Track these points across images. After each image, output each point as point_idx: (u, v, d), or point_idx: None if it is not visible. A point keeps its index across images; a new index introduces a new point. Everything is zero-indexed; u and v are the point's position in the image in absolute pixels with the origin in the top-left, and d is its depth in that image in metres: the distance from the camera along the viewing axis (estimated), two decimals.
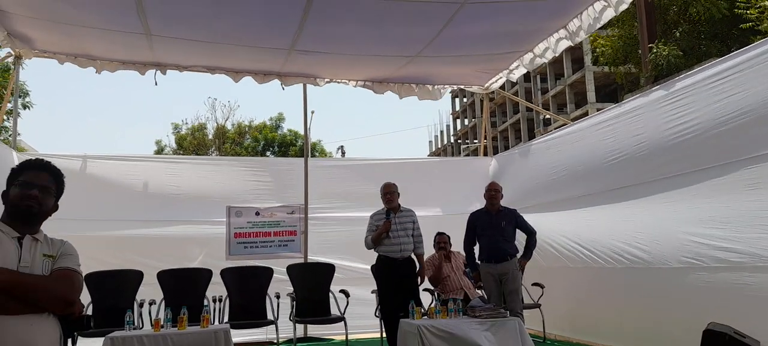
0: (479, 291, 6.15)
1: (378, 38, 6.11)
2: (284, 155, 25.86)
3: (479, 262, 5.78)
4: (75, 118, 65.10)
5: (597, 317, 6.05)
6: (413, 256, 5.67)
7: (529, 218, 5.97)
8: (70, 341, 2.12)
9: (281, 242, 7.40)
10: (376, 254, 5.66)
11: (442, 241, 6.65)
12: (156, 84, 6.74)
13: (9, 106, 7.94)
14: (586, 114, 26.40)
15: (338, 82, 7.48)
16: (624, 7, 5.44)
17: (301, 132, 25.22)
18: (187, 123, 27.90)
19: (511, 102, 44.33)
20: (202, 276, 6.23)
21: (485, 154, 8.94)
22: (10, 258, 1.94)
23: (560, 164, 6.79)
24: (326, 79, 7.39)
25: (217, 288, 6.21)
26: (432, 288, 6.46)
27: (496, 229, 5.67)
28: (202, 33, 5.85)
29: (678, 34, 13.87)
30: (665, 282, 5.03)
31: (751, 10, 11.99)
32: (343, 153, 28.95)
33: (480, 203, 6.00)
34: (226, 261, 6.90)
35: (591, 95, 34.34)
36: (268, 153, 27.44)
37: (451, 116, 60.10)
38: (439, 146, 61.96)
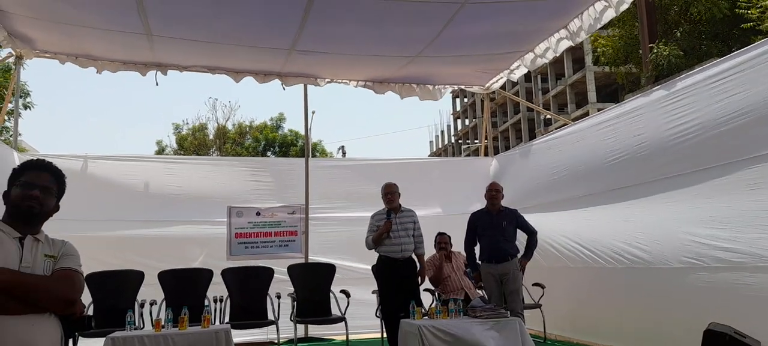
0: (480, 291, 6.15)
1: (378, 38, 6.11)
2: (285, 155, 25.85)
3: (480, 262, 5.78)
4: (75, 118, 65.18)
5: (598, 318, 6.04)
6: (414, 256, 5.67)
7: (530, 218, 5.97)
8: (71, 341, 2.12)
9: (282, 242, 7.40)
10: (377, 255, 5.66)
11: (442, 241, 6.65)
12: (157, 84, 6.76)
13: (10, 106, 7.95)
14: (586, 114, 26.40)
15: (339, 83, 7.48)
16: (625, 7, 5.44)
17: (302, 132, 25.18)
18: (187, 123, 27.92)
19: (511, 102, 44.32)
20: (203, 276, 6.24)
21: (486, 155, 8.94)
22: (12, 258, 1.94)
23: (561, 164, 6.79)
24: (327, 80, 7.39)
25: (217, 288, 6.22)
26: (432, 288, 6.46)
27: (497, 229, 5.67)
28: (202, 33, 5.86)
29: (679, 34, 13.86)
30: (666, 282, 5.03)
31: (752, 10, 11.98)
32: (344, 153, 28.92)
33: (481, 203, 6.00)
34: (227, 261, 6.91)
35: (592, 95, 34.33)
36: (268, 153, 27.44)
37: (451, 116, 60.10)
38: (440, 146, 61.94)
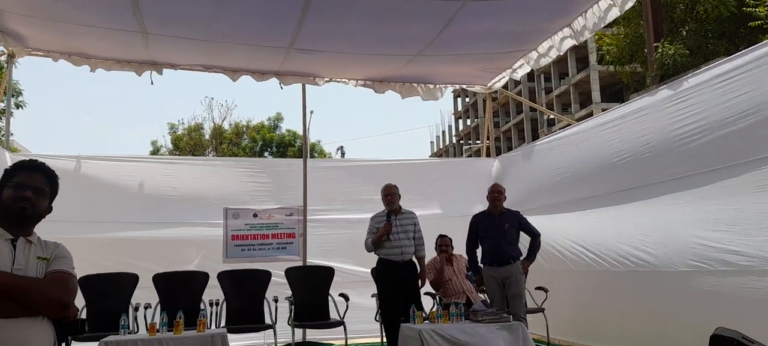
0: (482, 295, 6.15)
1: (378, 37, 6.11)
2: (283, 156, 25.90)
3: (482, 265, 5.78)
4: (68, 117, 65.14)
5: (602, 322, 6.04)
6: (414, 259, 5.67)
7: (533, 220, 5.97)
8: (64, 345, 2.12)
9: (279, 244, 7.40)
10: (377, 257, 5.66)
11: (443, 243, 6.65)
12: (152, 83, 6.75)
13: (2, 105, 7.95)
14: (590, 114, 26.40)
15: (338, 82, 7.48)
16: (629, 5, 5.44)
17: (300, 132, 25.14)
18: (183, 123, 27.98)
19: (514, 102, 44.36)
20: (199, 279, 6.23)
21: (488, 155, 8.95)
22: (4, 260, 1.94)
23: (564, 165, 6.79)
24: (326, 79, 7.40)
25: (213, 292, 6.22)
26: (433, 292, 6.46)
27: (499, 231, 5.67)
28: (198, 31, 5.86)
29: (685, 32, 13.86)
30: (672, 286, 5.03)
31: (760, 8, 11.98)
32: (343, 154, 28.92)
33: (482, 205, 6.00)
34: (223, 264, 6.91)
35: (596, 95, 34.38)
36: (266, 154, 27.47)
37: (452, 116, 60.15)
38: (441, 147, 61.98)
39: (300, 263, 7.20)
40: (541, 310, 6.26)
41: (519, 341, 4.66)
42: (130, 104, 62.77)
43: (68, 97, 64.94)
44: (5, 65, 6.88)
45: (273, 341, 5.96)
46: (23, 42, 6.22)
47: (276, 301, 6.20)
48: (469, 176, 8.31)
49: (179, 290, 6.03)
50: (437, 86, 7.84)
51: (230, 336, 4.70)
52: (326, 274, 6.69)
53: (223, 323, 6.00)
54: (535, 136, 35.13)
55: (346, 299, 6.32)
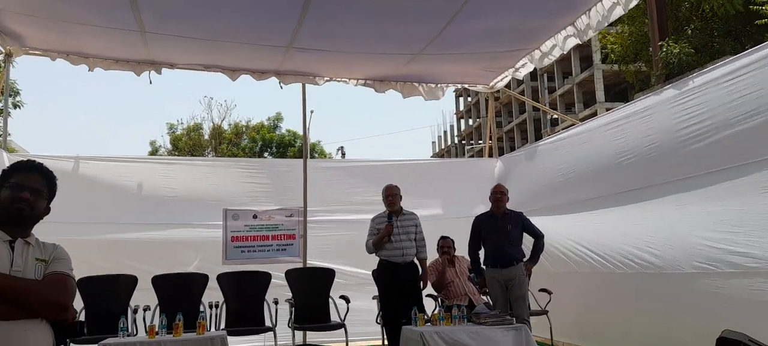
0: (484, 297, 6.15)
1: (379, 35, 6.11)
2: (282, 156, 25.94)
3: (484, 267, 5.78)
4: (66, 116, 65.27)
5: (606, 324, 6.04)
6: (416, 261, 5.67)
7: (536, 221, 5.97)
8: None
9: (279, 246, 7.41)
10: (378, 259, 5.66)
11: (445, 245, 6.65)
12: (150, 82, 6.76)
13: None
14: (594, 114, 26.38)
15: (338, 81, 7.48)
16: (634, 3, 5.44)
17: (300, 132, 25.21)
18: (182, 123, 28.04)
19: (517, 101, 44.35)
20: (198, 281, 6.23)
21: (490, 156, 8.94)
22: (2, 262, 1.95)
23: (568, 166, 6.78)
24: (326, 78, 7.40)
25: (213, 294, 6.22)
26: (435, 294, 6.46)
27: (502, 233, 5.67)
28: (197, 30, 5.86)
29: (690, 31, 13.85)
30: (677, 288, 5.02)
31: (767, 6, 11.96)
32: (344, 154, 28.93)
33: (485, 206, 6.00)
34: (223, 266, 6.91)
35: (600, 94, 34.36)
36: (265, 154, 27.50)
37: (454, 116, 60.16)
38: (443, 147, 62.02)
39: (300, 265, 7.20)
40: (544, 312, 6.25)
41: (522, 344, 4.66)
42: (129, 104, 62.93)
43: (66, 97, 65.11)
44: (2, 65, 6.89)
45: (273, 343, 5.95)
46: (20, 41, 6.23)
47: (276, 303, 6.20)
48: (471, 177, 8.31)
49: (178, 292, 6.04)
50: (439, 86, 7.84)
51: (230, 339, 4.70)
52: (327, 276, 6.69)
53: (222, 326, 6.00)
54: (538, 137, 35.15)
55: (347, 301, 6.32)
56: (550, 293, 6.33)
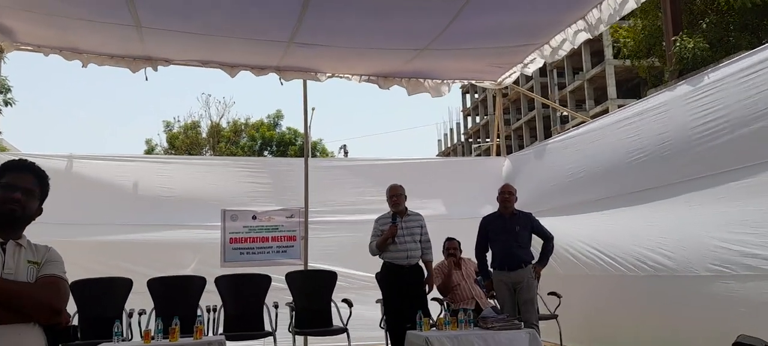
0: (492, 301, 6.15)
1: (382, 30, 6.11)
2: (283, 155, 25.89)
3: (492, 269, 5.78)
4: (61, 113, 65.49)
5: (618, 328, 6.04)
6: (421, 263, 5.67)
7: (545, 222, 5.97)
8: None
9: (280, 247, 7.42)
10: (381, 261, 5.67)
11: (451, 247, 6.65)
12: (146, 79, 6.77)
13: None
14: (606, 111, 26.35)
15: (340, 77, 7.48)
16: None
17: (301, 130, 25.25)
18: (179, 120, 27.99)
19: (525, 98, 44.29)
20: (195, 284, 6.25)
21: (498, 154, 8.94)
22: None
23: (578, 165, 6.78)
24: (328, 74, 7.39)
25: (211, 297, 6.23)
26: (441, 298, 6.46)
27: (510, 234, 5.67)
28: (195, 25, 5.87)
29: (705, 25, 13.80)
30: (691, 291, 5.02)
31: None
32: (346, 153, 28.98)
33: (492, 207, 6.00)
34: (221, 268, 6.93)
35: (612, 90, 34.28)
36: (265, 153, 27.49)
37: (461, 113, 60.11)
38: (449, 145, 61.98)
39: (301, 267, 7.21)
40: (554, 316, 6.24)
41: None
42: (124, 100, 63.16)
43: (60, 93, 65.33)
44: None
45: None
46: (12, 36, 6.24)
47: (276, 307, 6.20)
48: (478, 176, 8.32)
49: (175, 296, 6.05)
50: (445, 82, 7.83)
51: (228, 344, 4.72)
52: (328, 278, 6.69)
53: (220, 330, 6.01)
54: (548, 134, 35.09)
55: (350, 304, 6.32)
56: (559, 296, 6.32)
